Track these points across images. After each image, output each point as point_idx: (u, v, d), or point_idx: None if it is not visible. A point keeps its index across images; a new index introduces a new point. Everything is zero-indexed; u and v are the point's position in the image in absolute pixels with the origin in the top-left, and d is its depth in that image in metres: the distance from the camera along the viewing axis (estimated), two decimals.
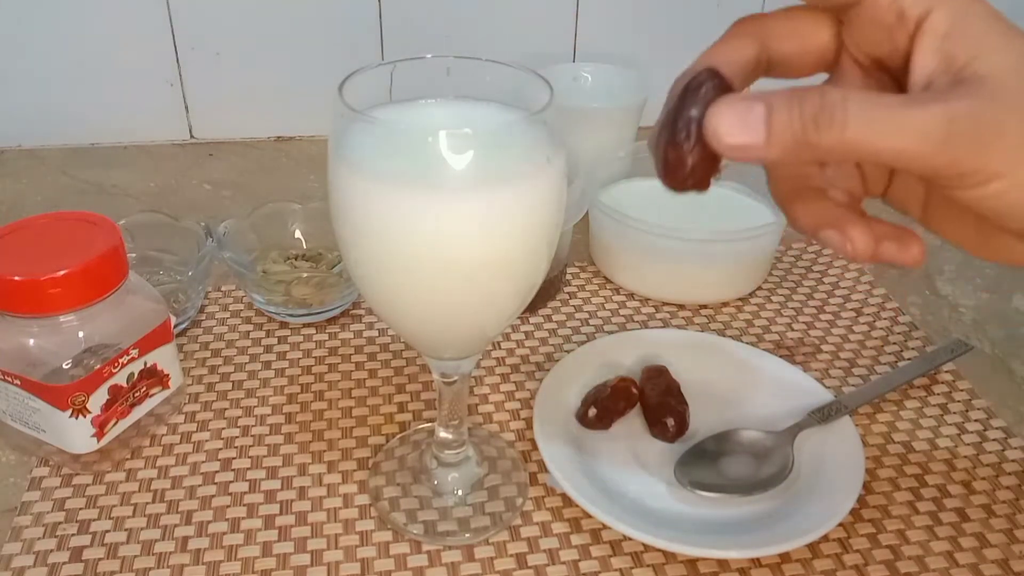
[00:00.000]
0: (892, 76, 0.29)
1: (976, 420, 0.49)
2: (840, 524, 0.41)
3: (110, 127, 0.79)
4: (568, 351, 0.52)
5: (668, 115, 0.29)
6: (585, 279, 0.61)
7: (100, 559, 0.39)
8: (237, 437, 0.46)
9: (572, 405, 0.47)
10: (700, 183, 0.29)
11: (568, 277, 0.61)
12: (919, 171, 0.26)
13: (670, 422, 0.45)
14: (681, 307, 0.58)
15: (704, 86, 0.28)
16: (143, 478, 0.44)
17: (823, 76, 0.32)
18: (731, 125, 0.26)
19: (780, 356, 0.51)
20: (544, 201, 0.33)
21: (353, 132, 0.32)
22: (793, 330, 0.56)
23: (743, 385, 0.49)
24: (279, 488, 0.43)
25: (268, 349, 0.53)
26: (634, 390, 0.47)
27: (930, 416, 0.49)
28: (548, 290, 0.58)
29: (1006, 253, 0.29)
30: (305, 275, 0.53)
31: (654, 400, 0.46)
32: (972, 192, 0.26)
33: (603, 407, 0.46)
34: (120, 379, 0.43)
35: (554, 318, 0.57)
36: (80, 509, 0.42)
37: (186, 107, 0.79)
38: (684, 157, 0.28)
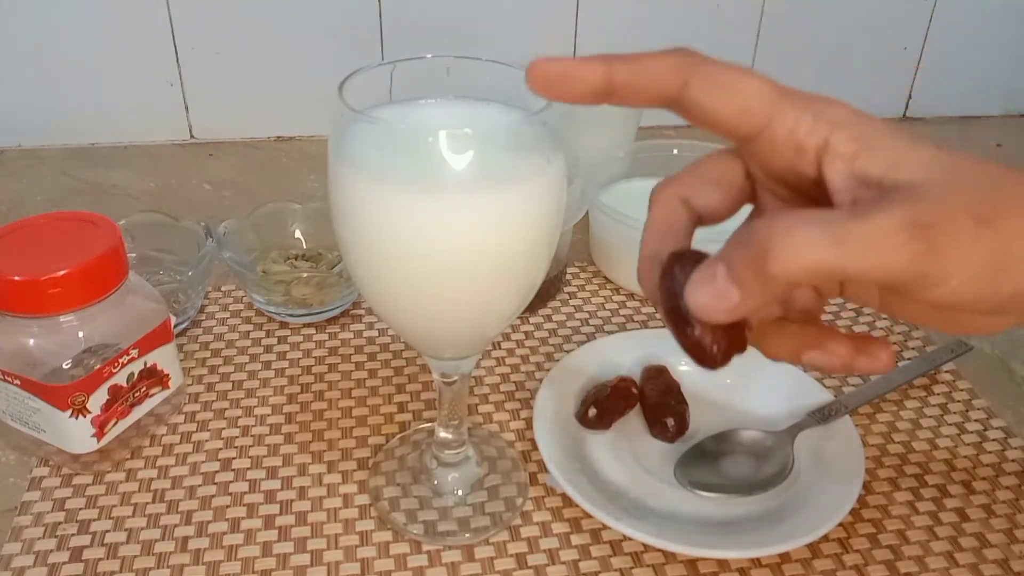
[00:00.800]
0: (810, 199, 0.29)
1: (976, 420, 0.49)
2: (840, 524, 0.41)
3: (110, 127, 0.79)
4: (568, 351, 0.52)
5: (664, 313, 0.30)
6: (585, 279, 0.61)
7: (100, 559, 0.39)
8: (237, 437, 0.46)
9: (572, 405, 0.47)
10: (732, 349, 0.29)
11: (568, 277, 0.61)
12: (880, 281, 0.26)
13: (670, 422, 0.45)
14: None
15: (674, 274, 0.29)
16: (143, 478, 0.44)
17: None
18: (707, 302, 0.26)
19: None
20: (544, 201, 0.33)
21: (353, 132, 0.32)
22: None
23: (743, 385, 0.49)
24: (279, 488, 0.43)
25: (268, 349, 0.53)
26: (634, 390, 0.47)
27: (930, 416, 0.49)
28: (548, 290, 0.58)
29: (973, 327, 0.29)
30: (305, 275, 0.53)
31: (654, 400, 0.46)
32: (931, 292, 0.25)
33: (603, 407, 0.46)
34: (120, 379, 0.43)
35: (554, 318, 0.57)
36: (80, 509, 0.42)
37: (186, 107, 0.79)
38: (701, 342, 0.28)
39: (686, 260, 0.28)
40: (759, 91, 0.27)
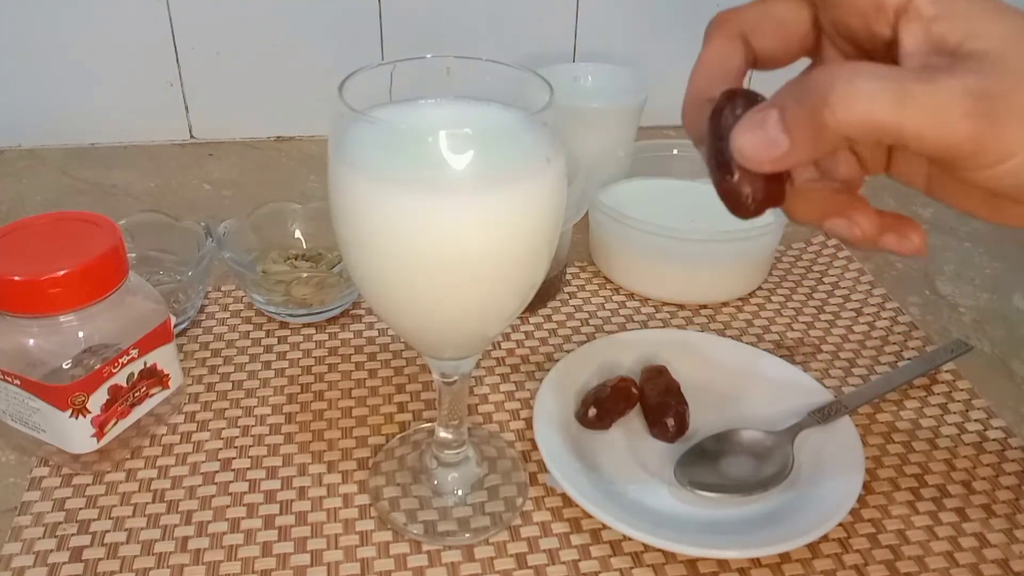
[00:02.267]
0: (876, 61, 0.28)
1: (976, 420, 0.49)
2: (840, 524, 0.41)
3: (110, 127, 0.79)
4: (568, 351, 0.52)
5: (707, 154, 0.28)
6: (585, 279, 0.61)
7: (100, 559, 0.39)
8: (237, 437, 0.46)
9: (572, 405, 0.47)
10: (767, 202, 0.28)
11: (568, 277, 0.61)
12: (934, 151, 0.25)
13: (670, 422, 0.45)
14: (681, 307, 0.58)
15: (724, 114, 0.27)
16: (143, 478, 0.44)
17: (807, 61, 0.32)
18: (754, 148, 0.26)
19: (780, 356, 0.51)
20: (544, 201, 0.33)
21: (353, 132, 0.32)
22: (793, 330, 0.56)
23: (743, 385, 0.49)
24: (279, 488, 0.43)
25: (268, 349, 0.53)
26: (634, 390, 0.47)
27: (930, 416, 0.49)
28: (548, 290, 0.58)
29: (1020, 219, 0.28)
30: (305, 275, 0.53)
31: (654, 400, 0.46)
32: (985, 172, 0.25)
33: (603, 407, 0.46)
34: (120, 379, 0.43)
35: (554, 318, 0.57)
36: (80, 509, 0.42)
37: (186, 107, 0.79)
38: (739, 190, 0.28)
39: (739, 100, 0.27)
40: None
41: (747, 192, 0.28)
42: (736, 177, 0.27)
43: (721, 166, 0.28)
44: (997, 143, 0.24)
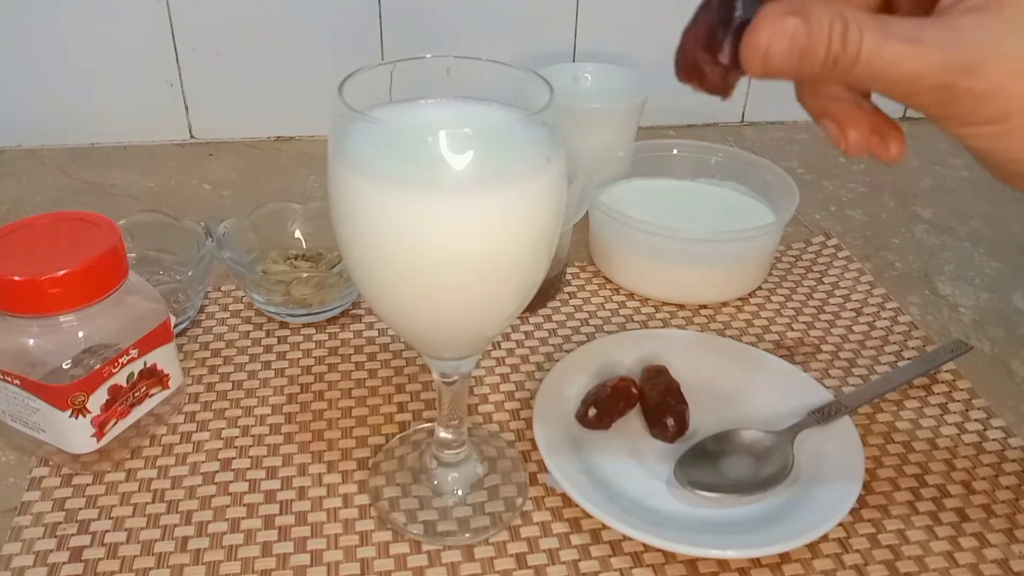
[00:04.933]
0: None
1: (976, 420, 0.49)
2: (840, 524, 0.41)
3: (110, 127, 0.79)
4: (568, 351, 0.52)
5: (693, 22, 0.28)
6: (585, 279, 0.61)
7: (100, 559, 0.39)
8: (237, 437, 0.46)
9: (572, 405, 0.47)
10: (715, 90, 0.28)
11: (568, 277, 0.61)
12: (925, 101, 0.26)
13: (670, 422, 0.45)
14: (681, 307, 0.58)
15: None
16: (143, 478, 0.44)
17: None
18: (781, 52, 0.26)
19: (780, 356, 0.51)
20: (544, 201, 0.33)
21: (353, 132, 0.32)
22: (793, 330, 0.56)
23: (743, 385, 0.49)
24: (279, 488, 0.43)
25: (268, 349, 0.53)
26: (634, 390, 0.47)
27: (930, 416, 0.49)
28: (548, 290, 0.58)
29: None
30: (305, 275, 0.53)
31: (654, 400, 0.46)
32: (975, 129, 0.26)
33: (603, 407, 0.46)
34: (120, 379, 0.43)
35: (554, 318, 0.57)
36: (80, 509, 0.42)
37: (186, 107, 0.79)
38: (711, 66, 0.28)
39: None
40: None
41: (718, 74, 0.28)
42: (727, 54, 0.27)
43: (708, 43, 0.27)
44: (981, 109, 0.25)
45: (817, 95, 0.31)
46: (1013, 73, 0.25)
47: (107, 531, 0.41)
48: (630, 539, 0.40)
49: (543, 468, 0.44)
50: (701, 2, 0.28)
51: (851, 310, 0.58)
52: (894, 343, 0.55)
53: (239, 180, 0.74)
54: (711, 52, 0.27)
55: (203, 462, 0.45)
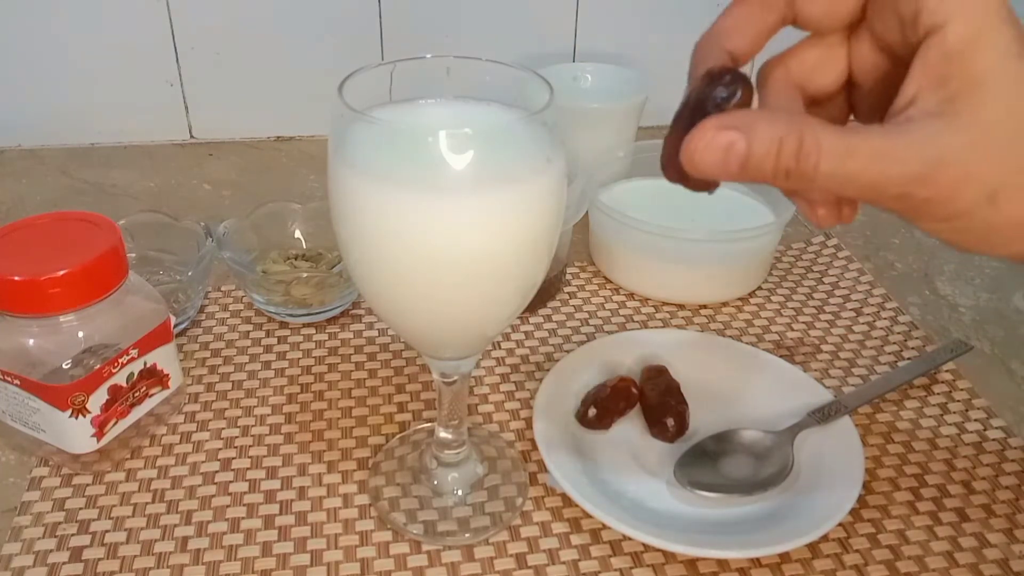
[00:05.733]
0: (897, 64, 0.29)
1: (976, 420, 0.49)
2: (840, 524, 0.41)
3: (110, 127, 0.79)
4: (568, 351, 0.52)
5: (683, 109, 0.29)
6: (585, 279, 0.61)
7: (100, 559, 0.39)
8: (237, 437, 0.46)
9: (572, 405, 0.47)
10: (697, 186, 0.30)
11: (568, 277, 0.61)
12: (889, 205, 0.28)
13: (670, 422, 0.45)
14: (681, 307, 0.58)
15: (715, 92, 0.28)
16: (143, 478, 0.44)
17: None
18: (711, 161, 0.27)
19: (780, 356, 0.51)
20: (544, 201, 0.33)
21: (353, 132, 0.32)
22: (793, 330, 0.56)
23: (743, 385, 0.49)
24: (279, 488, 0.43)
25: (268, 349, 0.53)
26: (634, 390, 0.47)
27: (930, 416, 0.49)
28: (548, 290, 0.58)
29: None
30: (305, 275, 0.53)
31: (654, 400, 0.46)
32: (936, 225, 0.28)
33: (603, 407, 0.46)
34: (120, 379, 0.43)
35: (554, 318, 0.57)
36: (80, 509, 0.42)
37: (186, 107, 0.79)
38: (680, 171, 0.29)
39: (739, 88, 0.28)
40: None
41: (680, 176, 0.29)
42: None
43: (683, 129, 0.28)
44: (947, 207, 0.27)
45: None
46: (962, 181, 0.26)
47: (107, 531, 0.41)
48: (630, 539, 0.40)
49: (543, 468, 0.44)
50: (676, 111, 0.29)
51: (851, 310, 0.58)
52: (894, 343, 0.55)
53: (239, 180, 0.74)
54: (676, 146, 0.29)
55: (203, 462, 0.45)
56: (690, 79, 0.31)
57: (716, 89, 0.28)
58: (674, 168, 0.29)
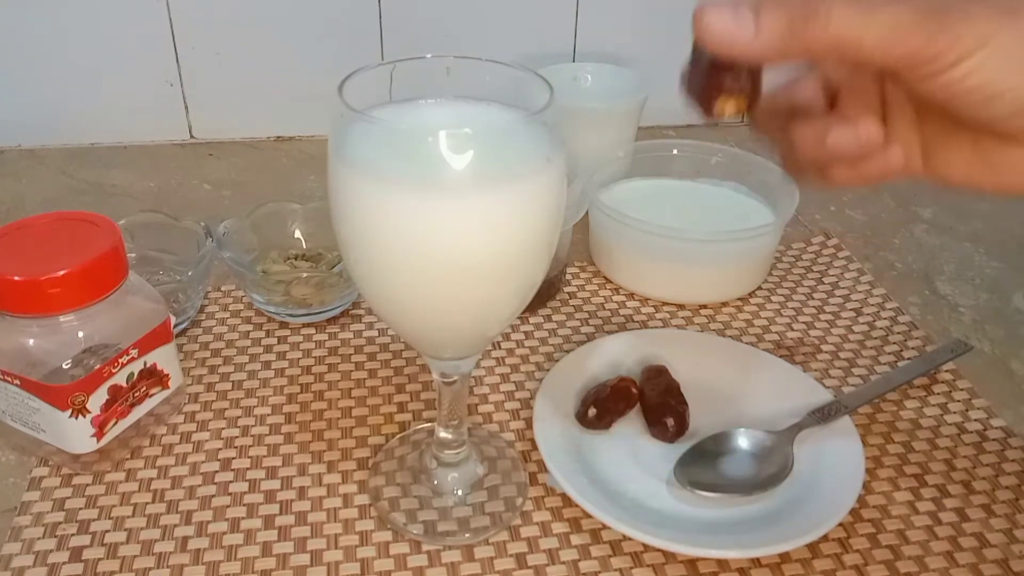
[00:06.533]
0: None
1: (976, 420, 0.49)
2: (840, 524, 0.41)
3: (110, 127, 0.79)
4: (568, 351, 0.52)
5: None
6: (585, 279, 0.61)
7: (100, 559, 0.39)
8: (237, 437, 0.46)
9: (572, 405, 0.47)
10: (701, 100, 0.31)
11: (568, 277, 0.61)
12: (895, 61, 0.28)
13: (670, 422, 0.45)
14: (681, 307, 0.58)
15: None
16: (143, 478, 0.44)
17: None
18: (720, 19, 0.28)
19: (780, 356, 0.51)
20: (544, 201, 0.33)
21: (353, 132, 0.32)
22: (793, 330, 0.56)
23: (743, 385, 0.49)
24: (279, 488, 0.43)
25: (268, 349, 0.53)
26: (634, 390, 0.47)
27: (930, 416, 0.49)
28: (548, 290, 0.58)
29: (1016, 173, 0.30)
30: (305, 275, 0.53)
31: (654, 400, 0.46)
32: (950, 73, 0.27)
33: (603, 407, 0.46)
34: (120, 379, 0.43)
35: (554, 318, 0.57)
36: (80, 509, 0.42)
37: (186, 107, 0.79)
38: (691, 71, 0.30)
39: None
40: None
41: (692, 73, 0.30)
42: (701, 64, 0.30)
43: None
44: (953, 46, 0.27)
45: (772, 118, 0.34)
46: (962, 20, 0.27)
47: (107, 531, 0.41)
48: (630, 539, 0.40)
49: (543, 468, 0.44)
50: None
51: (851, 310, 0.58)
52: (894, 343, 0.55)
53: (239, 180, 0.74)
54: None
55: (203, 462, 0.45)
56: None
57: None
58: (697, 90, 0.31)
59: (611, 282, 0.61)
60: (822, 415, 0.46)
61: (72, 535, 0.40)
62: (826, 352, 0.54)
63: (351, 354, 0.53)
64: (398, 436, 0.47)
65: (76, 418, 0.41)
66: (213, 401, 0.49)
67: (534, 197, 0.32)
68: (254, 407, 0.49)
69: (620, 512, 0.40)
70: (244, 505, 0.42)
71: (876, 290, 0.60)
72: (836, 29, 0.27)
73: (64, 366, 0.41)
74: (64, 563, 0.39)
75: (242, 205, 0.67)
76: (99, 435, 0.43)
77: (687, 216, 0.57)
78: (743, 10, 0.28)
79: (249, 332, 0.54)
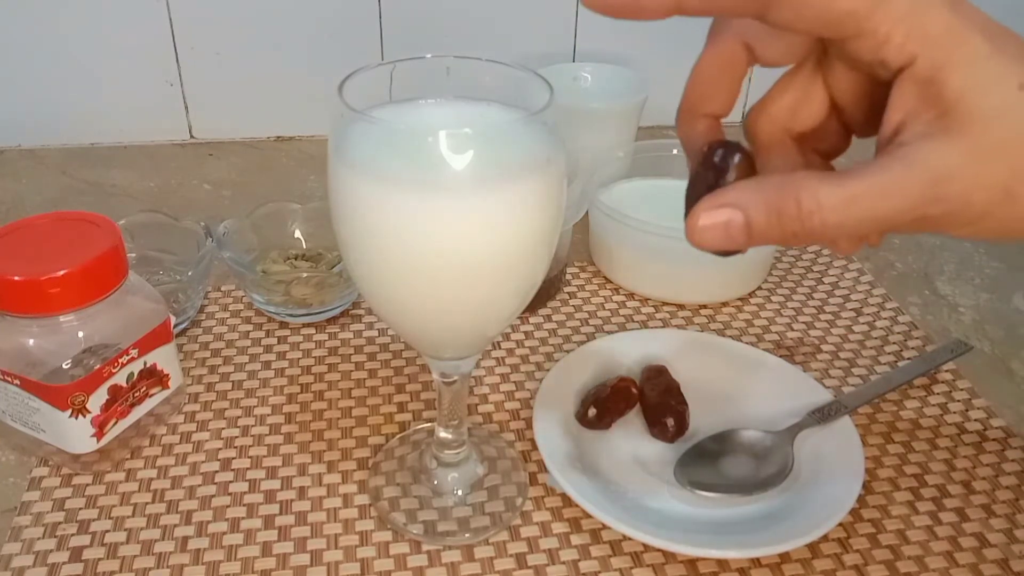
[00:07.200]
0: (875, 81, 0.29)
1: (976, 420, 0.49)
2: (840, 524, 0.41)
3: (110, 127, 0.79)
4: (568, 351, 0.52)
5: (690, 188, 0.30)
6: (585, 279, 0.61)
7: (100, 559, 0.39)
8: (237, 437, 0.46)
9: (572, 405, 0.47)
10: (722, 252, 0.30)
11: (568, 277, 0.61)
12: (903, 229, 0.28)
13: (670, 422, 0.45)
14: (681, 307, 0.58)
15: (714, 164, 0.29)
16: (143, 478, 0.44)
17: None
18: (714, 238, 0.28)
19: (780, 356, 0.51)
20: (544, 201, 0.33)
21: (353, 132, 0.32)
22: (793, 330, 0.56)
23: (743, 385, 0.49)
24: (279, 488, 0.43)
25: (268, 349, 0.53)
26: (634, 390, 0.47)
27: (930, 416, 0.49)
28: (548, 290, 0.58)
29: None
30: (305, 275, 0.53)
31: (654, 400, 0.46)
32: (953, 232, 0.27)
33: (603, 407, 0.46)
34: (120, 379, 0.43)
35: (554, 318, 0.57)
36: (80, 509, 0.42)
37: (186, 107, 0.79)
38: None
39: (737, 161, 0.29)
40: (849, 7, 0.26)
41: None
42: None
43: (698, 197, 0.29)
44: (964, 213, 0.27)
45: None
46: (972, 189, 0.26)
47: (107, 531, 0.41)
48: (630, 539, 0.40)
49: (543, 468, 0.44)
50: (686, 190, 0.30)
51: (851, 310, 0.58)
52: (894, 343, 0.55)
53: (239, 180, 0.74)
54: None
55: (203, 462, 0.45)
56: (688, 157, 0.32)
57: (708, 172, 0.29)
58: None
59: (611, 282, 0.61)
60: (822, 415, 0.46)
61: (72, 535, 0.40)
62: (826, 352, 0.54)
63: (351, 354, 0.53)
64: (398, 436, 0.47)
65: (76, 418, 0.41)
66: (213, 401, 0.49)
67: (534, 197, 0.32)
68: (254, 407, 0.49)
69: (620, 512, 0.40)
70: (244, 505, 0.42)
71: (876, 290, 0.60)
72: (833, 220, 0.27)
73: (64, 366, 0.41)
74: (64, 563, 0.39)
75: (242, 205, 0.67)
76: (99, 435, 0.43)
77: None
78: (734, 224, 0.28)
79: (249, 332, 0.54)
